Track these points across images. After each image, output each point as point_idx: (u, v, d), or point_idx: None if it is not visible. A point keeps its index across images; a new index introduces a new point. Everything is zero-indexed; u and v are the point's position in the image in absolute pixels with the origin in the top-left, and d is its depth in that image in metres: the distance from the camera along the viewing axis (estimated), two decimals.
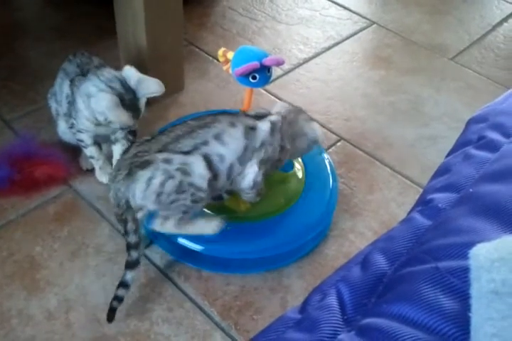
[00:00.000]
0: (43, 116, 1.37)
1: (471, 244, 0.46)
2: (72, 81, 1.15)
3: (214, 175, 0.95)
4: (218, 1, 1.93)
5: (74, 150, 1.27)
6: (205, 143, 0.94)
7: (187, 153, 0.93)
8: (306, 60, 1.71)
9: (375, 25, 1.89)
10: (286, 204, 1.13)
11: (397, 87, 1.64)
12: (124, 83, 1.10)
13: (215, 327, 1.02)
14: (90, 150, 1.21)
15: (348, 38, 1.82)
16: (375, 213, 1.25)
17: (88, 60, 1.18)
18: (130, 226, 0.94)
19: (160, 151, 0.92)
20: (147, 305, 1.04)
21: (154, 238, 1.14)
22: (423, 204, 0.69)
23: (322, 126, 1.47)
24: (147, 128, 1.26)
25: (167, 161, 0.91)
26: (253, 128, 0.98)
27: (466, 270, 0.46)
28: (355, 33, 1.84)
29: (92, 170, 1.27)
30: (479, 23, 1.94)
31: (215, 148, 0.94)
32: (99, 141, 1.23)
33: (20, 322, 1.00)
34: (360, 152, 1.41)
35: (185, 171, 0.92)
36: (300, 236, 1.10)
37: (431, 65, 1.73)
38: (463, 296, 0.47)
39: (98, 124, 1.13)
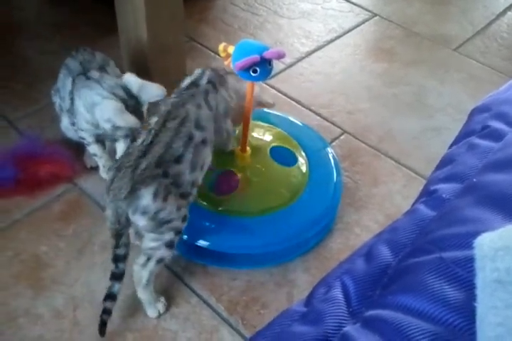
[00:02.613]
0: (46, 116, 1.37)
1: (475, 234, 0.45)
2: (74, 79, 1.15)
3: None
4: None
5: (78, 149, 1.27)
6: (191, 137, 0.95)
7: (179, 159, 0.93)
8: (309, 54, 1.70)
9: (376, 17, 1.87)
10: (291, 198, 1.13)
11: (400, 78, 1.63)
12: (126, 89, 1.11)
13: (222, 322, 1.02)
14: (93, 148, 1.21)
15: (350, 30, 1.81)
16: (380, 206, 1.25)
17: (91, 56, 1.18)
18: (124, 239, 0.93)
19: (157, 166, 0.91)
20: None
21: None
22: (427, 195, 0.68)
23: (325, 119, 1.47)
24: None
25: (165, 175, 0.91)
26: (207, 93, 1.02)
27: (470, 260, 0.46)
28: (357, 26, 1.83)
29: (96, 168, 1.27)
30: (483, 13, 1.92)
31: (198, 136, 0.96)
32: (102, 139, 1.23)
33: (27, 321, 1.01)
34: (364, 145, 1.40)
35: (177, 183, 0.93)
36: (305, 230, 1.10)
37: (434, 56, 1.72)
38: (468, 286, 0.47)
39: (99, 128, 1.14)
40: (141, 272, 0.97)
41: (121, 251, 0.94)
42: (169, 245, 0.96)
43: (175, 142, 0.93)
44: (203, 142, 0.98)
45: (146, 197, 0.89)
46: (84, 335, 0.99)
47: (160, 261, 0.97)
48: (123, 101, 1.08)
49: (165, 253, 0.96)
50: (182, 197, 0.95)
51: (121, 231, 0.92)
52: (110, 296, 0.96)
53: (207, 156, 1.00)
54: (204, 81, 1.04)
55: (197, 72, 1.07)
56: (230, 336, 1.01)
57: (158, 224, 0.93)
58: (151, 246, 0.96)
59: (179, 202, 0.94)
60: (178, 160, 0.93)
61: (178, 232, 0.96)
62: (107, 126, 1.09)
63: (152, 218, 0.91)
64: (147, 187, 0.89)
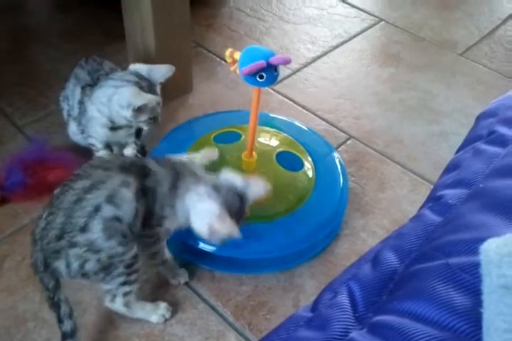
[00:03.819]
0: (54, 121, 1.38)
1: (481, 240, 0.45)
2: (83, 88, 1.16)
3: (124, 235, 0.89)
4: (225, 2, 1.93)
5: (85, 154, 1.27)
6: (98, 209, 0.86)
7: (83, 229, 0.85)
8: (314, 59, 1.70)
9: (382, 23, 1.88)
10: (297, 203, 1.13)
11: (406, 83, 1.63)
12: (136, 74, 1.13)
13: (228, 327, 1.03)
14: (101, 154, 1.22)
15: (356, 35, 1.81)
16: (386, 211, 1.25)
17: (99, 66, 1.19)
18: (64, 310, 0.88)
19: (60, 238, 0.86)
20: None
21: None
22: (433, 200, 0.68)
23: (331, 124, 1.47)
24: (158, 131, 1.27)
25: (73, 245, 0.86)
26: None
27: (476, 265, 0.46)
28: (363, 31, 1.83)
29: None
30: (489, 17, 1.92)
31: (108, 212, 0.86)
32: (110, 144, 1.24)
33: (36, 325, 1.01)
34: (371, 150, 1.41)
35: (94, 249, 0.87)
36: (311, 235, 1.10)
37: (440, 60, 1.72)
38: (474, 292, 0.47)
39: (113, 128, 1.15)
40: (114, 307, 0.97)
41: (66, 326, 0.89)
42: (126, 283, 0.93)
43: (76, 211, 0.86)
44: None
45: (61, 268, 0.88)
46: (91, 339, 1.00)
47: (126, 294, 0.95)
48: (136, 84, 1.10)
49: (126, 289, 0.94)
50: (109, 258, 0.88)
51: (54, 298, 0.88)
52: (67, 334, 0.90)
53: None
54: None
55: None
56: None
57: (95, 279, 0.90)
58: (107, 288, 0.95)
59: (104, 264, 0.88)
60: (84, 229, 0.86)
61: (128, 274, 0.92)
62: (128, 114, 1.09)
63: (84, 277, 0.89)
64: (58, 261, 0.87)
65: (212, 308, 1.05)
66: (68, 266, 0.87)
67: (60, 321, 0.89)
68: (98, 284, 0.94)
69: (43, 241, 0.87)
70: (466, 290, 0.48)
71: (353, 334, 0.51)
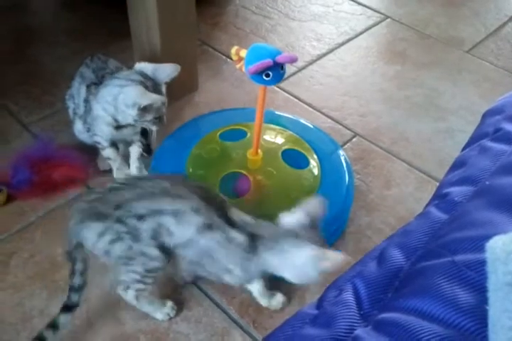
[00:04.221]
0: (60, 119, 1.39)
1: (487, 237, 0.45)
2: (88, 87, 1.17)
3: (162, 248, 0.89)
4: (231, 0, 1.93)
5: (91, 152, 1.28)
6: (160, 212, 0.86)
7: (141, 217, 0.86)
8: (320, 57, 1.70)
9: (388, 20, 1.87)
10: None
11: (412, 81, 1.62)
12: (141, 73, 1.13)
13: (233, 324, 1.03)
14: (107, 152, 1.23)
15: (361, 33, 1.81)
16: (392, 209, 1.25)
17: (104, 64, 1.19)
18: (78, 266, 0.90)
19: (118, 207, 0.86)
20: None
21: None
22: (439, 198, 0.68)
23: (337, 122, 1.47)
24: (164, 129, 1.27)
25: (120, 221, 0.86)
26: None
27: (482, 263, 0.46)
28: (369, 28, 1.83)
29: (109, 171, 1.28)
30: (495, 15, 1.91)
31: (168, 222, 0.86)
32: (116, 142, 1.24)
33: (42, 322, 1.01)
34: (376, 147, 1.40)
35: (135, 238, 0.87)
36: None
37: (446, 58, 1.71)
38: (480, 289, 0.47)
39: (118, 127, 1.15)
40: (125, 296, 0.98)
41: (76, 281, 0.91)
42: (140, 282, 0.93)
43: (144, 200, 0.87)
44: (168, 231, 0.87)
45: (93, 232, 0.87)
46: (97, 336, 1.00)
47: (139, 290, 0.96)
48: (141, 83, 1.10)
49: (140, 286, 0.95)
50: (138, 254, 0.88)
51: (72, 254, 0.90)
52: (52, 325, 0.92)
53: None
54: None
55: None
56: (241, 338, 1.01)
57: (114, 262, 0.90)
58: (122, 278, 0.95)
59: (131, 255, 0.89)
60: (140, 218, 0.86)
61: (144, 276, 0.92)
62: (134, 113, 1.09)
63: (105, 254, 0.89)
64: (96, 223, 0.87)
65: (217, 306, 1.05)
66: (101, 234, 0.87)
67: (71, 274, 0.91)
68: (113, 269, 0.94)
69: (100, 199, 0.88)
70: (471, 287, 0.48)
71: (358, 331, 0.51)
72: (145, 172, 1.26)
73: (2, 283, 1.07)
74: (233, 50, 1.00)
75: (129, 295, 0.97)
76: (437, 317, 0.47)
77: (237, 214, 0.89)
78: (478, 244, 0.51)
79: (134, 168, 1.26)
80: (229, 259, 0.86)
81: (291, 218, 0.87)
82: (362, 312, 0.53)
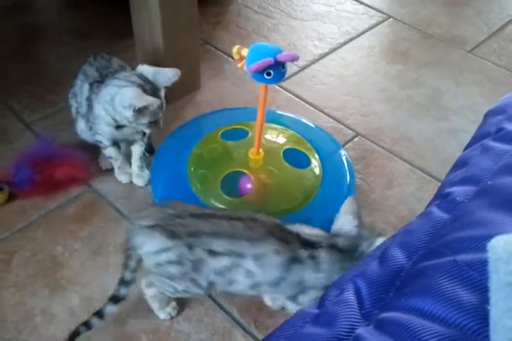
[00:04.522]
0: (62, 119, 1.39)
1: (489, 237, 0.45)
2: (91, 85, 1.17)
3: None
4: None
5: (93, 151, 1.28)
6: (241, 255, 0.86)
7: (214, 253, 0.86)
8: (322, 56, 1.70)
9: (391, 19, 1.87)
10: (304, 200, 1.13)
11: (415, 80, 1.62)
12: (141, 76, 1.12)
13: (234, 324, 1.03)
14: (109, 151, 1.23)
15: (364, 32, 1.80)
16: (394, 208, 1.24)
17: (107, 63, 1.19)
18: (131, 263, 0.91)
19: (192, 234, 0.86)
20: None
21: None
22: (441, 197, 0.68)
23: (339, 121, 1.47)
24: (165, 128, 1.27)
25: (190, 248, 0.86)
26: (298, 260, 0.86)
27: (484, 262, 0.46)
28: (371, 28, 1.83)
29: (111, 170, 1.28)
30: (498, 14, 1.91)
31: (247, 265, 0.86)
32: (117, 141, 1.24)
33: (43, 320, 1.02)
34: (378, 147, 1.40)
35: (197, 267, 0.87)
36: None
37: (449, 57, 1.71)
38: (482, 289, 0.46)
39: (118, 127, 1.15)
40: (145, 291, 0.99)
41: (126, 276, 0.93)
42: (168, 292, 0.95)
43: (223, 239, 0.86)
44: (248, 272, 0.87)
45: (154, 245, 0.87)
46: (99, 335, 1.00)
47: (163, 293, 0.97)
48: (140, 86, 1.10)
49: (167, 293, 0.96)
50: (191, 281, 0.89)
51: (128, 251, 0.91)
52: (99, 314, 0.95)
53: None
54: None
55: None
56: (242, 338, 1.01)
57: (157, 272, 0.91)
58: (155, 283, 0.96)
59: (181, 277, 0.89)
60: (213, 254, 0.86)
61: (177, 291, 0.93)
62: (129, 114, 1.09)
63: (155, 266, 0.90)
64: (165, 239, 0.86)
65: (219, 305, 1.05)
66: (163, 250, 0.86)
67: (124, 267, 0.92)
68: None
69: (177, 218, 0.88)
70: (473, 287, 0.48)
71: (360, 330, 0.51)
72: (147, 172, 1.27)
73: (4, 282, 1.07)
74: (235, 49, 1.00)
75: (150, 292, 0.99)
76: (439, 316, 0.47)
77: (307, 233, 0.90)
78: (479, 243, 0.51)
79: (136, 167, 1.26)
80: (318, 275, 0.87)
81: (341, 223, 0.92)
82: (363, 312, 0.53)
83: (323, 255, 0.86)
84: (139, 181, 1.27)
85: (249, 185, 1.13)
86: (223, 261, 0.86)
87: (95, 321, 0.95)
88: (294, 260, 0.85)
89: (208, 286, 0.90)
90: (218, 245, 0.85)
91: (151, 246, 0.88)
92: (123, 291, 0.94)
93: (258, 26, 1.80)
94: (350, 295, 0.56)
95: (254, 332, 1.01)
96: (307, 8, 1.90)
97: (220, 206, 1.10)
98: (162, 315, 1.02)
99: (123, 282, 0.94)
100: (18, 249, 1.13)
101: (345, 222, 0.91)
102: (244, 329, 1.02)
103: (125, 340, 1.00)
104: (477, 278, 0.48)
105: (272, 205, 1.11)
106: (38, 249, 1.14)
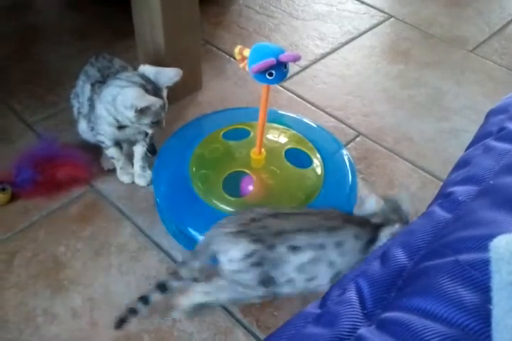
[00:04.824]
0: (64, 119, 1.39)
1: (491, 236, 0.45)
2: (92, 85, 1.17)
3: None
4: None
5: (95, 151, 1.28)
6: (322, 246, 0.87)
7: (294, 248, 0.86)
8: (324, 56, 1.70)
9: (392, 19, 1.87)
10: (306, 200, 1.13)
11: (416, 80, 1.62)
12: (143, 76, 1.12)
13: (236, 323, 1.03)
14: (111, 151, 1.23)
15: (365, 32, 1.80)
16: None
17: (109, 63, 1.20)
18: (194, 264, 0.90)
19: (274, 235, 0.86)
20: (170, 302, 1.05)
21: (174, 235, 1.15)
22: (443, 197, 0.68)
23: (340, 121, 1.47)
24: (167, 128, 1.27)
25: (272, 247, 0.86)
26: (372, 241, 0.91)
27: (486, 262, 0.46)
28: (373, 27, 1.83)
29: (113, 170, 1.28)
30: (499, 14, 1.91)
31: (329, 255, 0.88)
32: (119, 142, 1.25)
33: (45, 321, 1.02)
34: (380, 147, 1.40)
35: (277, 266, 0.86)
36: None
37: (450, 57, 1.71)
38: (484, 289, 0.46)
39: (120, 127, 1.15)
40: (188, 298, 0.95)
41: (184, 273, 0.90)
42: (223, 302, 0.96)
43: (303, 234, 0.87)
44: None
45: (240, 251, 0.86)
46: (100, 336, 1.00)
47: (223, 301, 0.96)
48: (142, 86, 1.10)
49: (234, 298, 0.93)
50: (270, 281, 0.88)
51: (197, 255, 0.90)
52: (144, 299, 0.91)
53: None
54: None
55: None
56: (244, 337, 1.01)
57: (232, 280, 0.89)
58: (207, 289, 0.93)
59: (261, 279, 0.88)
60: (295, 249, 0.86)
61: (233, 298, 0.92)
62: (131, 115, 1.09)
63: (228, 272, 0.88)
64: (250, 243, 0.85)
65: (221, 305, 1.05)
66: (249, 256, 0.85)
67: (183, 264, 0.92)
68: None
69: (257, 221, 0.88)
70: (475, 287, 0.48)
71: (362, 330, 0.51)
72: (149, 172, 1.27)
73: (5, 282, 1.08)
74: (236, 50, 1.00)
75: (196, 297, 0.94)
76: (441, 316, 0.47)
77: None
78: (481, 243, 0.51)
79: (138, 168, 1.26)
80: None
81: (369, 203, 0.96)
82: (365, 312, 0.53)
83: (387, 232, 0.92)
84: (141, 181, 1.27)
85: (251, 185, 1.13)
86: (306, 255, 0.86)
87: (140, 307, 0.91)
88: (370, 242, 0.90)
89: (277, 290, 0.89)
90: (300, 240, 0.87)
91: (235, 252, 0.86)
92: (174, 284, 0.91)
93: (259, 26, 1.80)
94: (352, 295, 0.56)
95: (256, 332, 1.02)
96: (308, 7, 1.90)
97: (222, 206, 1.10)
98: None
99: (176, 277, 0.91)
100: (19, 249, 1.13)
101: (372, 202, 0.96)
102: (246, 328, 1.02)
103: (127, 340, 1.00)
104: (479, 278, 0.48)
105: (274, 205, 1.11)
106: (40, 249, 1.14)
